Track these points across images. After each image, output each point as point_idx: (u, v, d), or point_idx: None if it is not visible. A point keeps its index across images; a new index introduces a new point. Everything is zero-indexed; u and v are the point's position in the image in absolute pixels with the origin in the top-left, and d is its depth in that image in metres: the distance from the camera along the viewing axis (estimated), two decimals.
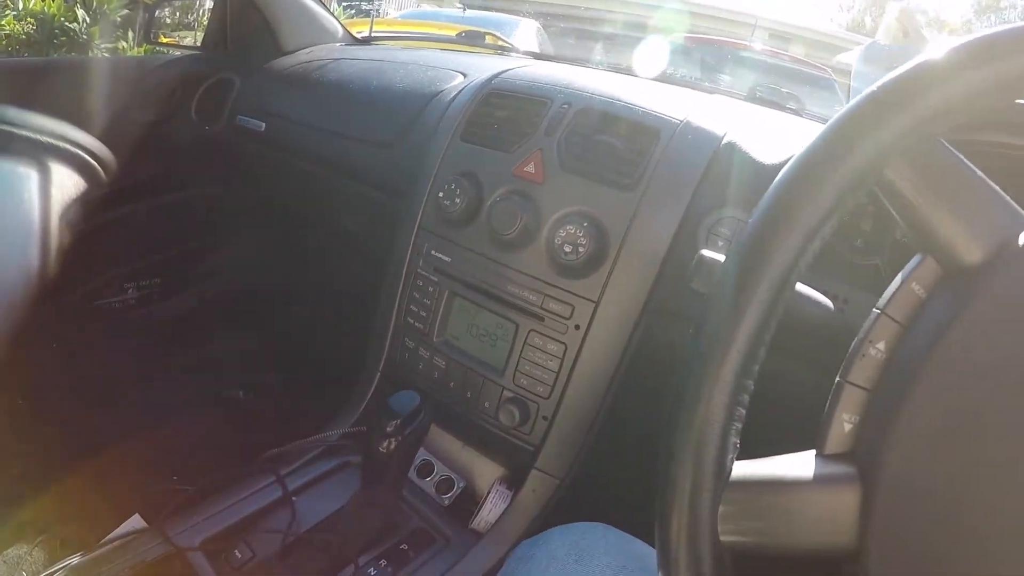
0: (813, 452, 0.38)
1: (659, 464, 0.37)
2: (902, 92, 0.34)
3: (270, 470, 0.78)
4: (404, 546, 0.75)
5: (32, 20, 2.87)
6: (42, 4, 2.92)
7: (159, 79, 1.36)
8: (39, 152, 0.96)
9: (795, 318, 0.51)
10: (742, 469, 0.37)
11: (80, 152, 1.02)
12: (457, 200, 0.82)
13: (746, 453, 0.41)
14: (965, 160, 0.36)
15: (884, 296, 0.38)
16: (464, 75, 1.07)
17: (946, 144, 0.36)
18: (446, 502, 0.85)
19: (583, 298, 0.75)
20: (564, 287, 0.75)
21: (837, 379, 0.37)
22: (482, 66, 1.10)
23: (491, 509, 0.82)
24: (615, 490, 0.87)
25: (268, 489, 0.78)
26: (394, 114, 1.06)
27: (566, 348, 0.76)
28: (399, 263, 0.90)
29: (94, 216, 1.06)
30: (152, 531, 0.66)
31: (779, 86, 1.25)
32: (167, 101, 1.33)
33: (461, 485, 0.86)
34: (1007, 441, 0.32)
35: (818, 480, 0.36)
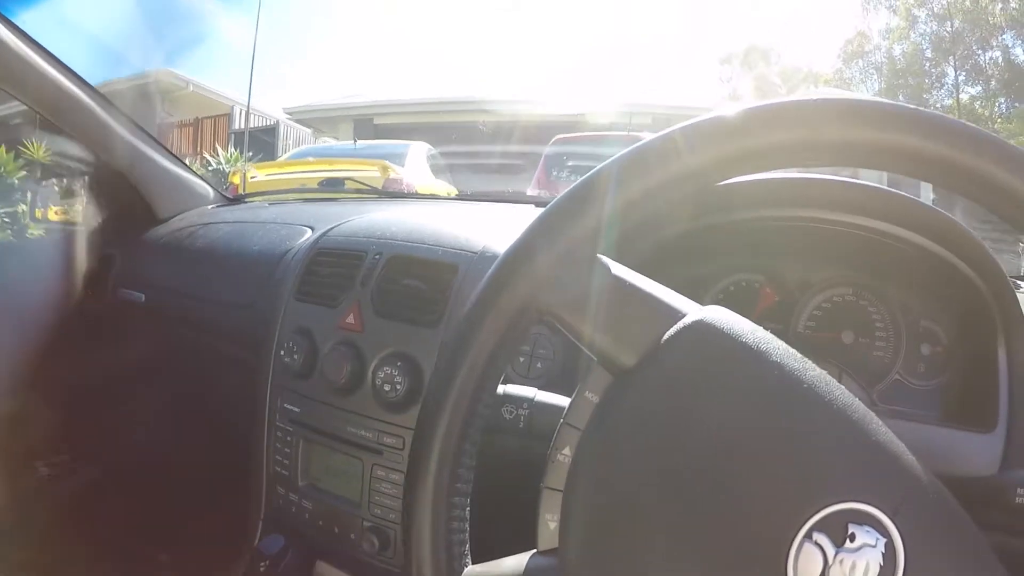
0: (533, 551, 0.44)
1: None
2: (545, 228, 0.41)
3: None
4: None
5: None
6: None
7: (49, 259, 1.44)
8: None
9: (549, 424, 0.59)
10: (472, 572, 0.43)
11: None
12: (296, 356, 0.90)
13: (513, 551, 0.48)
14: (619, 270, 0.41)
15: (566, 407, 0.44)
16: (312, 229, 1.17)
17: (602, 259, 0.41)
18: None
19: (409, 429, 0.83)
20: (393, 421, 0.84)
21: (540, 484, 0.43)
22: (329, 217, 1.20)
23: None
24: None
25: None
26: (251, 275, 1.15)
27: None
28: (260, 417, 0.97)
29: None
30: None
31: None
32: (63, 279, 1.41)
33: None
34: (674, 532, 0.37)
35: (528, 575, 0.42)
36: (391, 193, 1.52)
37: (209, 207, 1.59)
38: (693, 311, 0.40)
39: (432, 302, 0.85)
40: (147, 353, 1.36)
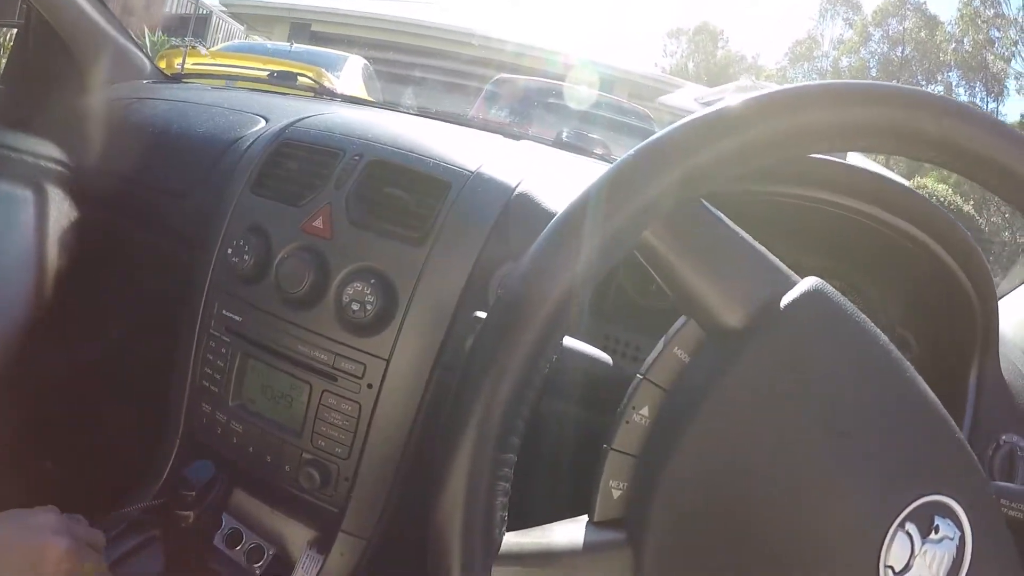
0: (584, 519, 0.38)
1: (427, 543, 0.35)
2: (658, 156, 0.34)
3: None
4: None
5: None
6: None
7: None
8: (35, 175, 0.93)
9: (576, 375, 0.51)
10: (512, 540, 0.36)
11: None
12: (246, 257, 0.78)
13: (543, 517, 0.40)
14: (728, 222, 0.37)
15: (647, 361, 0.38)
16: (266, 120, 1.03)
17: (707, 206, 0.36)
18: (257, 572, 0.80)
19: (374, 356, 0.73)
20: (355, 345, 0.74)
21: (604, 446, 0.37)
22: (286, 110, 1.07)
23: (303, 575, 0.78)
24: (423, 546, 0.86)
25: None
26: (192, 161, 1.00)
27: (360, 407, 0.74)
28: (191, 322, 0.85)
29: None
30: None
31: (588, 131, 1.29)
32: None
33: (271, 552, 0.82)
34: (772, 511, 0.34)
35: (588, 548, 0.36)
36: (351, 97, 1.37)
37: (145, 82, 1.40)
38: (806, 279, 0.36)
39: (417, 217, 0.75)
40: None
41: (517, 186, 0.79)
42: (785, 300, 0.35)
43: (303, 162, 0.82)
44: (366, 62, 4.53)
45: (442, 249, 0.73)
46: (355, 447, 0.75)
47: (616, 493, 0.37)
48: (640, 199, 0.34)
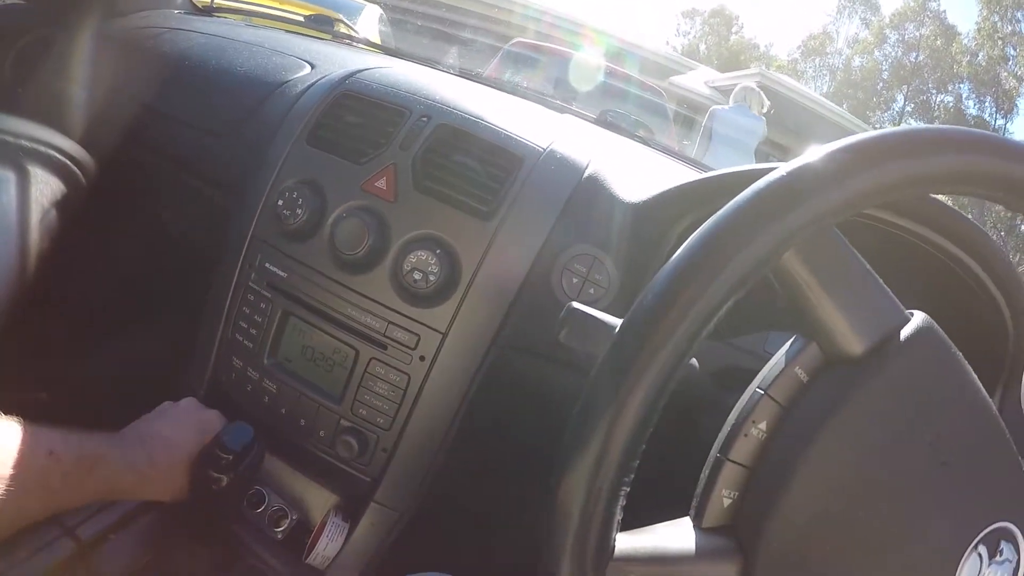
0: (688, 522, 0.40)
1: (543, 537, 0.36)
2: (805, 185, 0.34)
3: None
4: None
5: None
6: None
7: None
8: (17, 156, 0.90)
9: None
10: (625, 542, 0.37)
11: (60, 156, 0.95)
12: (298, 211, 0.75)
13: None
14: (855, 252, 0.38)
15: (765, 377, 0.40)
16: (312, 65, 0.99)
17: (839, 235, 0.38)
18: (279, 536, 0.80)
19: (430, 328, 0.72)
20: (410, 315, 0.72)
21: (716, 455, 0.39)
22: (331, 57, 1.04)
23: (328, 543, 0.77)
24: (456, 526, 0.85)
25: (83, 527, 0.69)
26: (232, 101, 0.97)
27: (409, 379, 0.73)
28: (228, 273, 0.82)
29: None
30: None
31: (628, 113, 1.28)
32: None
33: (295, 517, 0.81)
34: (878, 527, 0.37)
35: (701, 553, 0.38)
36: (401, 52, 1.32)
37: (175, 11, 1.35)
38: (918, 314, 0.40)
39: (488, 189, 0.73)
40: (92, 209, 1.14)
41: (586, 169, 0.77)
42: (904, 334, 0.38)
43: (365, 117, 0.79)
44: (382, 12, 4.43)
45: (511, 225, 0.71)
46: (398, 418, 0.74)
47: (727, 501, 0.39)
48: (787, 222, 0.34)
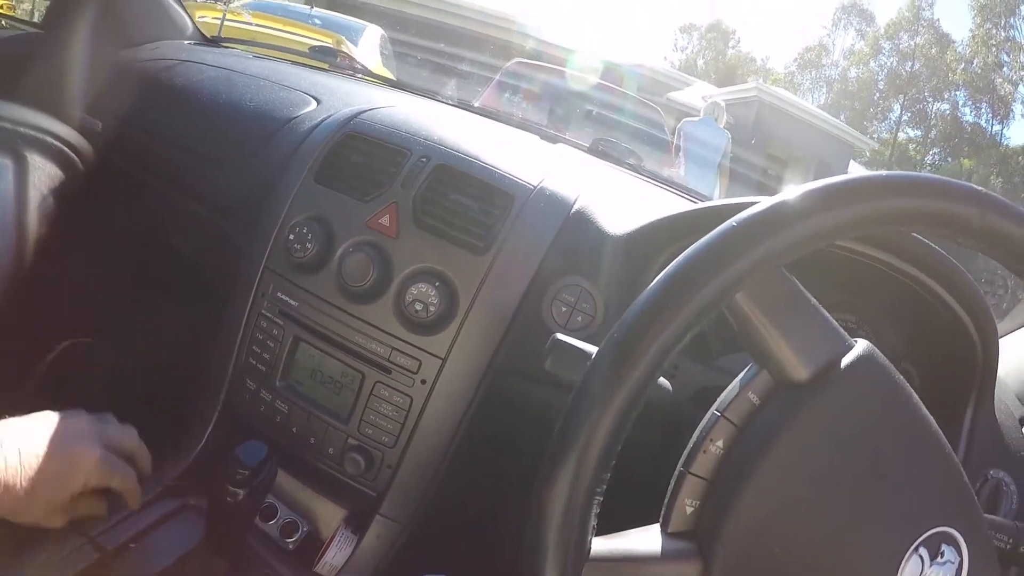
0: (657, 528, 0.46)
1: (528, 541, 0.42)
2: (756, 230, 0.41)
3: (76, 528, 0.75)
4: None
5: None
6: None
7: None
8: (16, 142, 0.93)
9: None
10: (599, 545, 0.43)
11: (58, 143, 0.99)
12: (308, 245, 0.82)
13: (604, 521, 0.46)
14: (801, 288, 0.45)
15: (723, 400, 0.46)
16: (317, 101, 1.07)
17: (785, 274, 0.44)
18: (291, 546, 0.86)
19: (430, 354, 0.79)
20: (412, 342, 0.79)
21: (680, 468, 0.45)
22: (335, 91, 1.11)
23: (336, 552, 0.83)
24: (457, 536, 0.92)
25: (101, 537, 0.75)
26: (243, 134, 1.04)
27: (412, 401, 0.80)
28: (242, 301, 0.89)
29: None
30: None
31: (619, 140, 1.35)
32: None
33: (305, 529, 0.87)
34: (823, 533, 0.43)
35: (665, 555, 0.44)
36: (393, 81, 1.40)
37: (186, 42, 1.42)
38: (860, 342, 0.45)
39: (482, 226, 0.80)
40: (89, 198, 1.20)
41: (575, 203, 0.85)
42: (844, 361, 0.43)
43: (369, 157, 0.86)
44: (383, 33, 4.51)
45: (505, 259, 0.79)
46: (402, 437, 0.81)
47: (689, 509, 0.45)
48: (735, 269, 0.41)
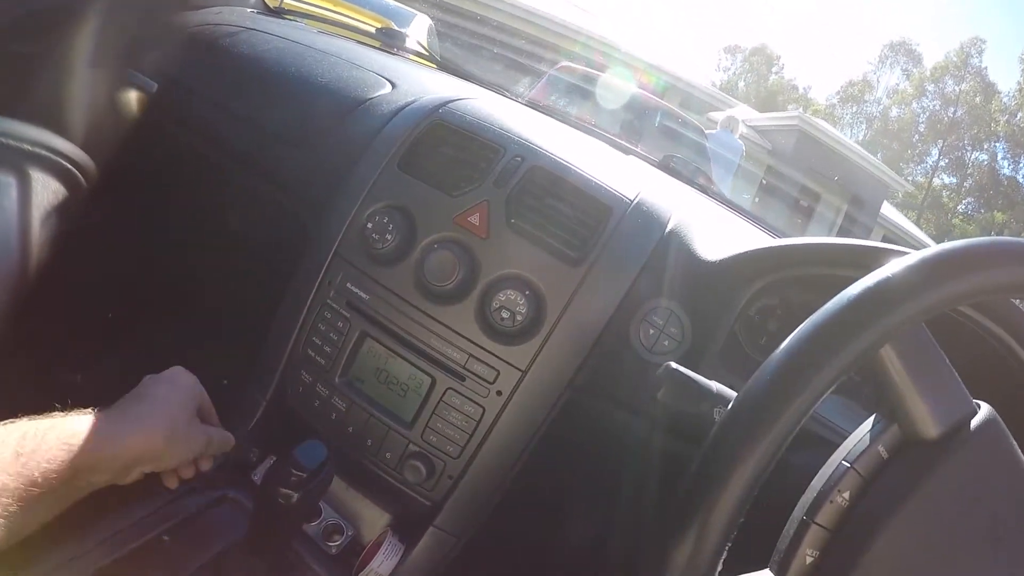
0: (768, 574, 0.44)
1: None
2: (915, 281, 0.40)
3: (138, 503, 0.72)
4: None
5: None
6: None
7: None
8: (19, 159, 0.92)
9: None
10: None
11: (60, 160, 0.97)
12: (388, 236, 0.79)
13: None
14: (937, 346, 0.44)
15: (851, 451, 0.45)
16: (393, 85, 1.03)
17: (926, 330, 0.43)
18: (333, 550, 0.82)
19: (511, 365, 0.75)
20: (492, 351, 0.75)
21: (803, 517, 0.44)
22: (409, 77, 1.08)
23: (383, 561, 0.80)
24: (514, 555, 0.88)
25: (136, 527, 0.72)
26: (314, 111, 1.00)
27: (484, 412, 0.76)
28: (305, 288, 0.85)
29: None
30: None
31: (689, 160, 1.32)
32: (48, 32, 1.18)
33: (350, 533, 0.84)
34: None
35: None
36: (462, 71, 1.37)
37: (249, 10, 1.39)
38: (984, 405, 0.46)
39: (577, 235, 0.77)
40: (140, 161, 1.17)
41: (668, 222, 0.81)
42: (973, 423, 0.44)
43: (459, 150, 0.83)
44: (431, 23, 4.49)
45: (598, 273, 0.75)
46: (468, 448, 0.77)
47: (809, 559, 0.43)
48: (888, 323, 0.40)
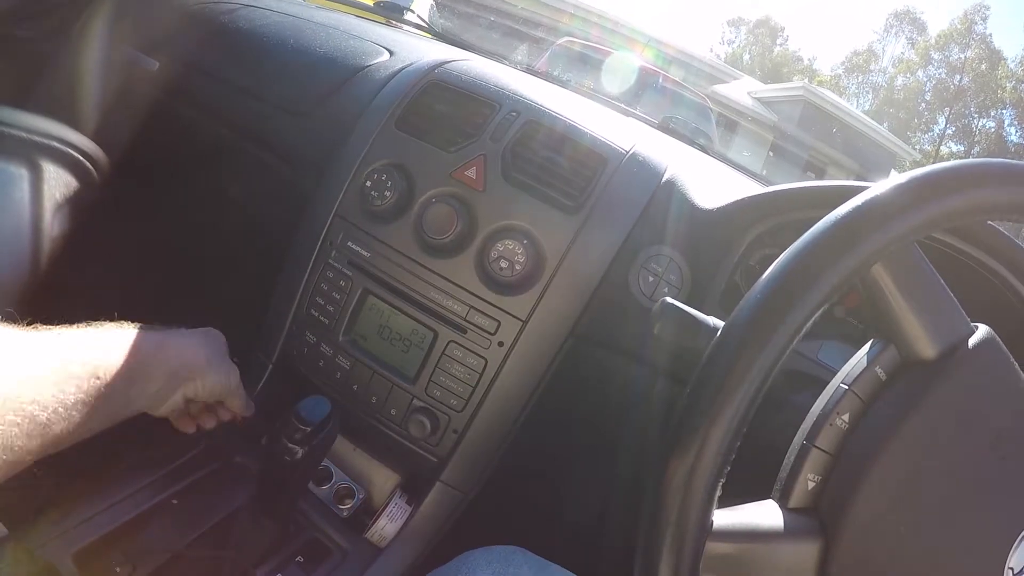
0: (772, 503, 0.45)
1: (645, 513, 0.40)
2: (904, 200, 0.40)
3: (147, 467, 0.73)
4: (299, 559, 0.73)
5: None
6: None
7: None
8: (31, 151, 0.93)
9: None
10: (720, 519, 0.42)
11: (72, 152, 0.98)
12: (387, 193, 0.80)
13: None
14: (931, 266, 0.44)
15: (848, 374, 0.46)
16: (391, 52, 1.04)
17: (919, 250, 0.43)
18: (344, 514, 0.84)
19: (511, 315, 0.76)
20: (492, 302, 0.76)
21: (803, 442, 0.45)
22: (407, 45, 1.08)
23: (387, 523, 0.82)
24: (521, 508, 0.89)
25: (145, 491, 0.73)
26: (312, 81, 1.01)
27: (486, 363, 0.77)
28: (306, 249, 0.86)
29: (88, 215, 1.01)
30: (13, 540, 0.60)
31: (689, 120, 1.33)
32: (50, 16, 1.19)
33: (361, 496, 0.86)
34: (943, 512, 0.42)
35: (787, 532, 0.43)
36: (464, 43, 1.37)
37: None
38: (982, 326, 0.45)
39: (573, 185, 0.77)
40: (142, 135, 1.18)
41: (664, 173, 0.82)
42: (971, 342, 0.44)
43: (455, 107, 0.84)
44: (433, 1, 4.50)
45: (595, 222, 0.76)
46: (472, 401, 0.78)
47: (811, 485, 0.44)
48: (877, 241, 0.40)
